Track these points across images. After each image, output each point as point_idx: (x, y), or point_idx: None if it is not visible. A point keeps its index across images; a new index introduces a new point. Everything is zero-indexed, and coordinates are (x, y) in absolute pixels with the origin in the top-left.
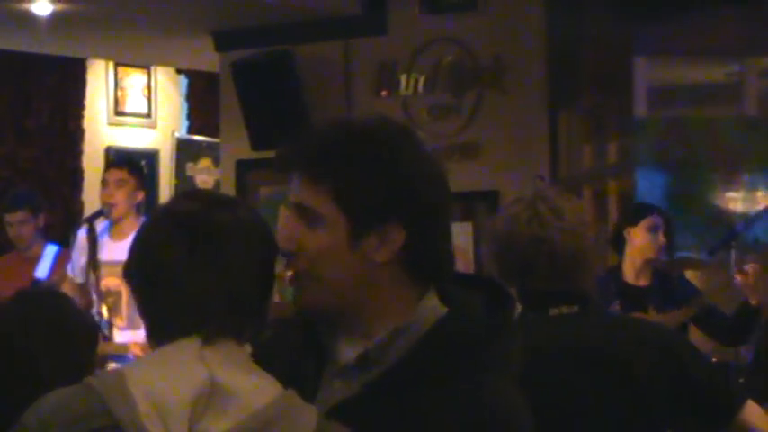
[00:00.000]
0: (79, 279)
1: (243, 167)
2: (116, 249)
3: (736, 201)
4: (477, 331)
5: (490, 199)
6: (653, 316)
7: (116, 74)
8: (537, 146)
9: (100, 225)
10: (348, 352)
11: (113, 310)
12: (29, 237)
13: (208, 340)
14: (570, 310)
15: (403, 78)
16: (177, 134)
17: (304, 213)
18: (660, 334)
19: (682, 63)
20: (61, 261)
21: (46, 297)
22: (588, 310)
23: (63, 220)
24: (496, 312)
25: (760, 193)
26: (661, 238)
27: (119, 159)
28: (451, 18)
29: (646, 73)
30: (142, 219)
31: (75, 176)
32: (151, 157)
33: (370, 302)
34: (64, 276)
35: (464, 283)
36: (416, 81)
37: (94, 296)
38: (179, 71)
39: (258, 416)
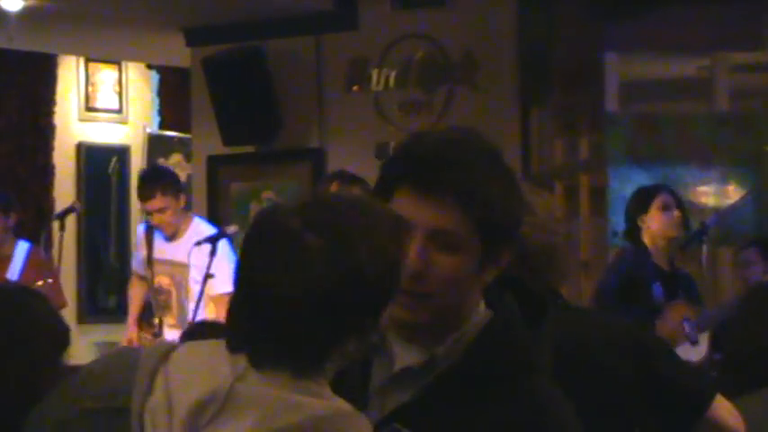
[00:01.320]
0: (142, 272)
1: (214, 163)
2: (168, 249)
3: (707, 195)
4: (522, 336)
5: None
6: (691, 304)
7: (87, 69)
8: (508, 141)
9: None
10: (406, 357)
11: (164, 308)
12: (0, 235)
13: (260, 359)
14: None
15: (374, 74)
16: (149, 129)
17: (442, 238)
18: (629, 331)
19: (652, 59)
20: (33, 259)
21: (14, 295)
22: (558, 305)
23: (34, 217)
24: (534, 315)
25: (731, 188)
26: (676, 214)
27: (146, 182)
28: (422, 14)
29: (616, 68)
30: (193, 216)
31: (46, 173)
32: (122, 152)
33: (462, 315)
34: (38, 274)
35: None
36: (388, 77)
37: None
38: (150, 67)
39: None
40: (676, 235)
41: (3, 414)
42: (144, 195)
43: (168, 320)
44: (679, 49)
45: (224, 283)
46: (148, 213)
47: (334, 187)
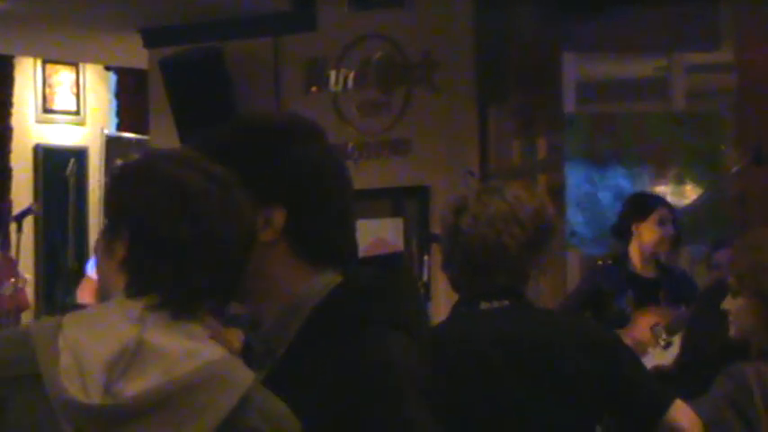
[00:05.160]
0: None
1: None
2: None
3: (664, 195)
4: (363, 293)
5: (420, 195)
6: (664, 309)
7: (44, 71)
8: (467, 141)
9: None
10: (256, 341)
11: None
12: None
13: (158, 304)
14: (501, 304)
15: (332, 75)
16: (106, 131)
17: None
18: (590, 331)
19: (610, 59)
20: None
21: None
22: (519, 305)
23: None
24: (387, 276)
25: (688, 188)
26: (670, 230)
27: None
28: (380, 15)
29: (574, 69)
30: None
31: (3, 175)
32: (80, 154)
33: (260, 284)
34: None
35: (377, 263)
36: (346, 77)
37: None
38: (108, 68)
39: (179, 381)
40: (666, 251)
41: None
42: None
43: None
44: (636, 49)
45: None
46: None
47: None
